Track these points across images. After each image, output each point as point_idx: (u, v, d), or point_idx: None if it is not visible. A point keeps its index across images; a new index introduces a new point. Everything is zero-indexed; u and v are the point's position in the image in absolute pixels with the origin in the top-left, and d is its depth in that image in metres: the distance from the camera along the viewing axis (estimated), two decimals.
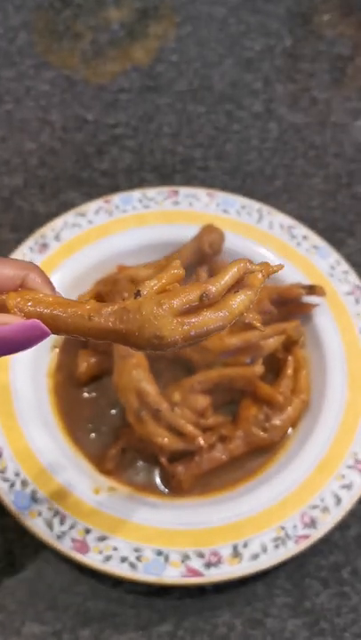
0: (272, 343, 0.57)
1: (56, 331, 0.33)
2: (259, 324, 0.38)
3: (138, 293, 0.33)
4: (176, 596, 0.52)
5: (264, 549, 0.49)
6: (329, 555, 0.54)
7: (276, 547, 0.49)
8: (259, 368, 0.55)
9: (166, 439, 0.53)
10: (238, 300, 0.33)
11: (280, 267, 0.35)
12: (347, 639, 0.50)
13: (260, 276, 0.34)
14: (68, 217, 0.66)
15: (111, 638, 0.50)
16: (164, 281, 0.34)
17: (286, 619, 0.51)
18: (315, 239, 0.65)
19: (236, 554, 0.49)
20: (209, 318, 0.32)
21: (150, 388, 0.53)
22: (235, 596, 0.52)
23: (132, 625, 0.51)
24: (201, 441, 0.53)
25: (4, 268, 0.34)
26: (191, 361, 0.56)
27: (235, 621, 0.51)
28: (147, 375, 0.54)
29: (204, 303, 0.32)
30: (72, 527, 0.50)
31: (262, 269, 0.34)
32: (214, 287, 0.33)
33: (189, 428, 0.53)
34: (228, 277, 0.33)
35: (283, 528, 0.50)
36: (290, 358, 0.59)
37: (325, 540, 0.53)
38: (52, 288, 0.35)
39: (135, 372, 0.53)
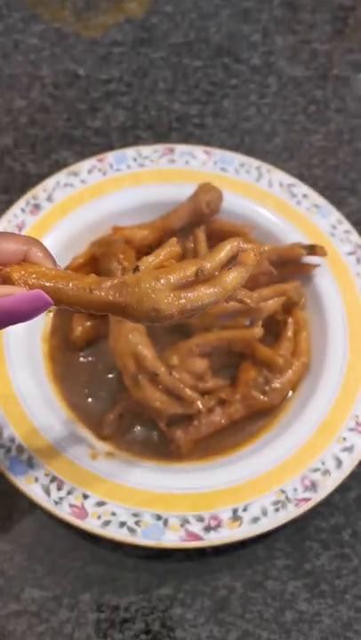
0: (272, 305, 0.55)
1: (58, 303, 0.34)
2: (250, 301, 0.38)
3: (137, 268, 0.35)
4: (176, 559, 0.51)
5: (264, 513, 0.49)
6: (329, 517, 0.54)
7: (277, 510, 0.49)
8: (258, 330, 0.54)
9: (164, 403, 0.52)
10: (231, 277, 0.35)
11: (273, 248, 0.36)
12: (347, 601, 0.50)
13: (252, 254, 0.36)
14: (61, 177, 0.64)
15: (111, 602, 0.50)
16: (161, 257, 0.35)
17: (286, 581, 0.51)
18: (315, 198, 0.63)
19: (236, 517, 0.49)
20: (204, 293, 0.34)
21: (147, 351, 0.52)
22: (235, 559, 0.51)
23: (131, 589, 0.50)
24: (200, 405, 0.52)
25: (7, 243, 0.35)
26: (189, 324, 0.55)
27: (235, 584, 0.51)
28: (144, 339, 0.52)
29: (200, 279, 0.34)
30: (70, 493, 0.49)
31: (255, 248, 0.36)
32: (209, 264, 0.35)
33: (188, 392, 0.52)
34: (222, 254, 0.35)
35: (283, 491, 0.50)
36: (290, 320, 0.58)
37: (326, 503, 0.53)
38: (54, 262, 0.36)
39: (132, 335, 0.52)
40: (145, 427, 0.55)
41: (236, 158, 0.66)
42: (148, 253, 0.57)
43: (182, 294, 0.34)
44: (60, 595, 0.50)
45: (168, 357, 0.54)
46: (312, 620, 0.50)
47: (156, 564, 0.51)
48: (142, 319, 0.34)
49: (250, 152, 0.69)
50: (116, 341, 0.52)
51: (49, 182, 0.63)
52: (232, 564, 0.51)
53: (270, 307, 0.55)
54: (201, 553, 0.52)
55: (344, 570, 0.52)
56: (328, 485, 0.50)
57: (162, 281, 0.34)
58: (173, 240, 0.36)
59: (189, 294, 0.34)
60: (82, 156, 0.70)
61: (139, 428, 0.55)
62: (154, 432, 0.55)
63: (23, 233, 0.60)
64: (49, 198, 0.62)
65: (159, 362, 0.52)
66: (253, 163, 0.65)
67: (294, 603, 0.50)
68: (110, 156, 0.65)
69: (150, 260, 0.35)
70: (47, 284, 0.34)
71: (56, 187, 0.63)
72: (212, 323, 0.54)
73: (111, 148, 0.71)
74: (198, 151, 0.66)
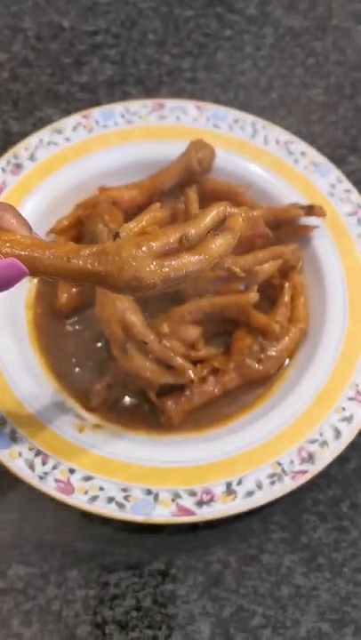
0: (268, 269, 0.52)
1: (34, 272, 0.33)
2: (238, 270, 0.37)
3: (117, 235, 0.33)
4: (168, 533, 0.50)
5: (259, 486, 0.47)
6: (327, 489, 0.52)
7: (272, 483, 0.47)
8: (253, 295, 0.51)
9: (154, 373, 0.49)
10: (218, 244, 0.33)
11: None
12: (345, 575, 0.49)
13: (240, 219, 0.34)
14: (44, 134, 0.60)
15: (100, 578, 0.48)
16: (143, 223, 0.34)
17: (283, 555, 0.49)
18: (314, 155, 0.60)
19: (229, 491, 0.47)
20: (188, 261, 0.33)
21: (136, 318, 0.49)
22: (229, 533, 0.50)
23: (122, 564, 0.49)
24: (191, 374, 0.49)
25: None
26: (180, 290, 0.52)
27: (229, 558, 0.49)
28: (132, 305, 0.50)
29: (184, 246, 0.33)
30: (55, 467, 0.47)
31: (243, 212, 0.34)
32: (194, 230, 0.33)
33: (179, 361, 0.49)
34: (208, 220, 0.33)
35: (279, 464, 0.48)
36: (287, 285, 0.55)
37: (323, 474, 0.51)
38: (29, 229, 0.34)
39: (119, 302, 0.49)
40: (134, 397, 0.53)
41: (230, 114, 0.62)
42: (137, 215, 0.54)
43: (165, 262, 0.32)
44: (48, 571, 0.48)
45: (158, 325, 0.51)
46: (309, 594, 0.48)
47: (147, 538, 0.49)
48: (123, 289, 0.33)
49: (245, 108, 0.66)
50: (102, 308, 0.50)
51: (31, 140, 0.60)
52: (226, 538, 0.50)
53: (266, 270, 0.52)
54: (193, 527, 0.50)
55: (342, 543, 0.50)
56: (326, 457, 0.48)
57: (143, 248, 0.32)
58: (157, 205, 0.35)
59: (173, 262, 0.32)
60: (67, 113, 0.67)
61: (128, 398, 0.53)
62: (144, 403, 0.53)
63: (3, 194, 0.57)
64: (31, 157, 0.59)
65: (148, 329, 0.49)
66: (248, 118, 0.62)
67: (291, 577, 0.49)
68: (96, 113, 0.62)
69: (132, 226, 0.34)
70: (22, 253, 0.32)
71: (39, 145, 0.60)
72: (204, 288, 0.51)
73: (98, 104, 0.67)
74: (190, 106, 0.62)
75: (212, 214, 0.34)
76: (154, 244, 0.32)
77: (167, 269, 0.32)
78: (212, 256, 0.33)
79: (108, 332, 0.50)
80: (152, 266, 0.32)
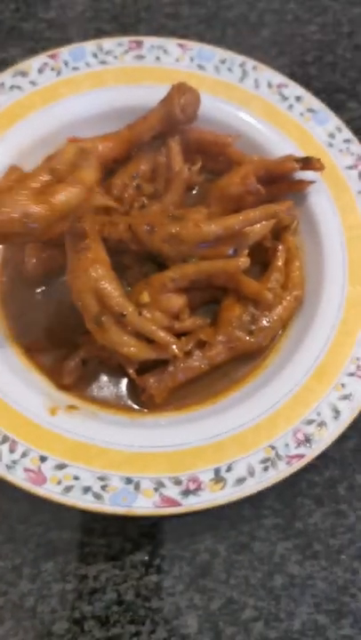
0: (259, 230, 0.48)
1: None
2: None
3: None
4: (151, 521, 0.47)
5: (251, 473, 0.43)
6: (324, 470, 0.49)
7: (265, 469, 0.43)
8: (244, 260, 0.47)
9: (133, 348, 0.44)
10: (85, 173, 0.41)
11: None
12: (343, 562, 0.46)
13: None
14: (5, 77, 0.55)
15: (78, 571, 0.45)
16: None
17: (276, 542, 0.47)
18: (310, 100, 0.56)
19: (218, 479, 0.43)
20: (67, 190, 0.40)
21: (112, 287, 0.44)
22: (217, 520, 0.47)
23: (101, 555, 0.46)
24: (175, 349, 0.45)
25: None
26: (162, 255, 0.47)
27: (218, 547, 0.46)
28: (107, 273, 0.45)
29: (55, 179, 0.41)
30: (24, 455, 0.43)
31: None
32: (59, 164, 0.41)
33: (160, 334, 0.45)
34: (70, 154, 0.41)
35: (273, 447, 0.44)
36: (280, 247, 0.51)
37: (320, 455, 0.47)
38: None
39: (92, 269, 0.44)
40: (112, 374, 0.49)
41: (217, 53, 0.57)
42: (113, 170, 0.49)
43: (48, 198, 0.40)
44: (20, 564, 0.45)
45: (137, 294, 0.47)
46: (304, 584, 0.45)
47: (129, 527, 0.46)
48: (19, 229, 0.40)
49: (233, 47, 0.61)
50: (74, 276, 0.45)
51: None
52: (214, 525, 0.47)
53: (258, 232, 0.48)
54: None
55: (339, 528, 0.47)
56: (324, 439, 0.45)
57: (23, 192, 0.40)
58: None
59: (56, 195, 0.40)
60: (33, 53, 0.61)
61: (105, 376, 0.49)
62: (123, 380, 0.49)
63: None
64: None
65: (126, 299, 0.45)
66: (237, 59, 0.57)
67: (284, 566, 0.46)
68: (65, 52, 0.57)
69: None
70: None
71: (0, 90, 0.54)
72: (189, 252, 0.47)
73: (68, 43, 0.61)
74: (171, 45, 0.57)
75: (70, 151, 0.43)
76: (28, 184, 0.40)
77: (53, 200, 0.40)
78: (87, 185, 0.41)
79: (81, 304, 0.45)
80: (38, 200, 0.40)
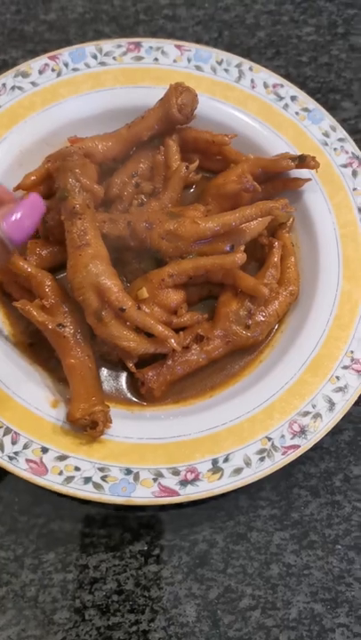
0: (256, 226, 0.49)
1: None
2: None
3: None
4: (150, 512, 0.47)
5: (247, 463, 0.43)
6: (319, 461, 0.49)
7: (262, 459, 0.44)
8: (240, 256, 0.47)
9: (133, 342, 0.45)
10: None
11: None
12: (338, 552, 0.46)
13: None
14: (7, 79, 0.55)
15: (79, 561, 0.46)
16: None
17: (272, 532, 0.47)
18: (306, 100, 0.56)
19: (215, 469, 0.43)
20: None
21: (112, 282, 0.45)
22: (215, 510, 0.47)
23: (102, 546, 0.46)
24: (174, 343, 0.45)
25: None
26: (160, 251, 0.47)
27: (216, 537, 0.47)
28: (107, 268, 0.45)
29: None
30: (26, 447, 0.43)
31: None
32: None
33: (159, 329, 0.45)
34: None
35: (269, 438, 0.44)
36: (276, 244, 0.51)
37: (315, 446, 0.47)
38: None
39: (92, 264, 0.45)
40: (112, 368, 0.49)
41: (214, 54, 0.57)
42: (113, 168, 0.49)
43: None
44: (22, 555, 0.46)
45: (136, 289, 0.47)
46: (300, 573, 0.46)
47: (128, 518, 0.47)
48: None
49: (229, 48, 0.61)
50: (74, 271, 0.45)
51: None
52: (212, 516, 0.47)
53: (254, 229, 0.49)
54: (178, 505, 0.47)
55: (335, 518, 0.47)
56: (319, 430, 0.45)
57: None
58: None
59: None
60: (33, 54, 0.61)
61: (105, 369, 0.49)
62: (122, 374, 0.49)
63: None
64: None
65: (126, 294, 0.45)
66: (233, 60, 0.57)
67: (281, 555, 0.46)
68: (65, 54, 0.56)
69: None
70: None
71: (2, 91, 0.55)
72: (186, 249, 0.47)
73: (68, 44, 0.61)
74: (169, 46, 0.57)
75: None
76: None
77: None
78: None
79: (81, 299, 0.45)
80: None
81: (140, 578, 0.45)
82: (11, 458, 0.43)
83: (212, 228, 0.47)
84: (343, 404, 0.45)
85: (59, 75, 0.55)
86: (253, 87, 0.56)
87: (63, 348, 0.46)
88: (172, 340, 0.46)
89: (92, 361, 0.46)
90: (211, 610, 0.44)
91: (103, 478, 0.43)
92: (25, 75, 0.55)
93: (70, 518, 0.47)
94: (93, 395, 0.45)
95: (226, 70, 0.56)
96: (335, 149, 0.53)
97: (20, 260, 0.47)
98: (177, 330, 0.48)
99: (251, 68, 0.56)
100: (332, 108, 0.59)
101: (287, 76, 0.60)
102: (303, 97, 0.55)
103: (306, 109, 0.55)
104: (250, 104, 0.55)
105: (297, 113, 0.55)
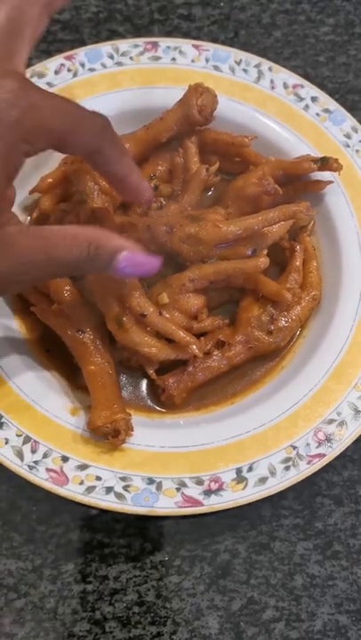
0: (278, 230, 0.48)
1: None
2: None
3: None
4: (171, 521, 0.46)
5: (272, 472, 0.43)
6: (342, 470, 0.48)
7: (287, 469, 0.43)
8: (263, 260, 0.46)
9: (154, 348, 0.44)
10: None
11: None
12: None
13: None
14: None
15: (99, 572, 0.45)
16: None
17: (296, 542, 0.46)
18: (327, 101, 0.55)
19: (240, 479, 0.42)
20: None
21: (133, 288, 0.44)
22: (237, 520, 0.46)
23: (122, 556, 0.45)
24: (195, 349, 0.45)
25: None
26: (181, 255, 0.46)
27: (238, 547, 0.46)
28: None
29: None
30: (46, 455, 0.43)
31: None
32: None
33: (181, 335, 0.44)
34: None
35: (294, 447, 0.43)
36: (298, 248, 0.50)
37: (339, 454, 0.46)
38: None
39: None
40: (132, 375, 0.48)
41: (232, 54, 0.56)
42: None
43: None
44: (41, 565, 0.45)
45: (157, 294, 0.46)
46: (324, 584, 0.45)
47: (149, 527, 0.46)
48: None
49: (245, 48, 0.59)
50: (95, 277, 0.44)
51: None
52: (234, 526, 0.46)
53: (276, 232, 0.48)
54: (199, 514, 0.46)
55: (359, 528, 0.47)
56: (345, 438, 0.44)
57: None
58: None
59: None
60: (47, 55, 0.60)
61: (125, 376, 0.48)
62: (142, 381, 0.48)
63: None
64: None
65: (147, 300, 0.44)
66: (252, 60, 0.56)
67: (304, 566, 0.45)
68: (81, 53, 0.55)
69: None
70: None
71: None
72: (208, 253, 0.46)
73: (82, 44, 0.60)
74: (187, 46, 0.56)
75: None
76: None
77: None
78: None
79: (102, 304, 0.44)
80: None
81: (161, 589, 0.44)
82: (31, 467, 0.42)
83: (235, 232, 0.46)
84: None
85: (75, 75, 0.54)
86: (273, 88, 0.55)
87: (83, 355, 0.45)
88: (194, 346, 0.45)
89: (111, 367, 0.45)
90: (234, 622, 0.44)
91: (125, 488, 0.42)
92: (40, 75, 0.54)
93: (89, 528, 0.46)
94: (114, 402, 0.44)
95: (245, 70, 0.55)
96: (357, 151, 0.52)
97: None
98: (198, 335, 0.47)
99: (270, 69, 0.55)
100: (351, 109, 0.57)
101: (305, 76, 0.58)
102: (324, 98, 0.54)
103: (327, 110, 0.54)
104: (269, 105, 0.54)
105: (318, 114, 0.54)
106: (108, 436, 0.43)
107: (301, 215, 0.48)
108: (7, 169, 0.34)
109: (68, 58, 0.55)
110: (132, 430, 0.43)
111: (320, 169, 0.50)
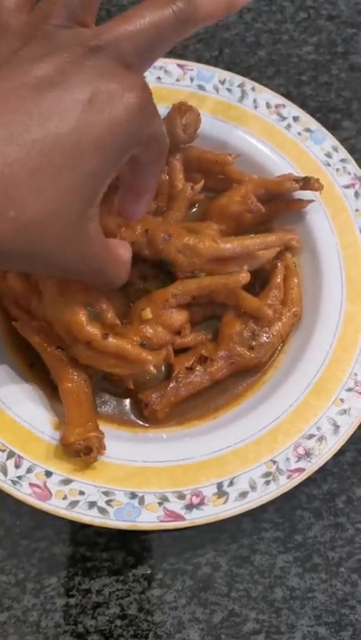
0: (268, 254, 0.48)
1: None
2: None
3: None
4: (153, 535, 0.46)
5: (253, 487, 0.43)
6: (322, 483, 0.49)
7: (267, 483, 0.43)
8: (244, 275, 0.46)
9: (113, 367, 0.44)
10: None
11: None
12: (342, 575, 0.46)
13: None
14: None
15: (81, 585, 0.45)
16: None
17: (276, 555, 0.46)
18: (308, 120, 0.55)
19: (221, 493, 0.43)
20: None
21: (77, 317, 0.42)
22: (218, 533, 0.47)
23: (104, 569, 0.45)
24: (151, 368, 0.44)
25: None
26: (175, 264, 0.47)
27: (219, 560, 0.46)
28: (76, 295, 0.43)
29: None
30: (30, 470, 0.43)
31: None
32: None
33: (133, 353, 0.43)
34: None
35: (274, 462, 0.44)
36: (279, 265, 0.51)
37: (318, 468, 0.47)
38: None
39: (63, 297, 0.43)
40: (113, 390, 0.48)
41: (217, 73, 0.57)
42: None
43: None
44: (24, 579, 0.45)
45: (141, 309, 0.47)
46: (304, 596, 0.45)
47: (131, 541, 0.46)
48: None
49: (230, 67, 0.61)
50: (48, 305, 0.44)
51: None
52: (215, 539, 0.47)
53: (268, 255, 0.49)
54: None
55: (338, 541, 0.47)
56: (324, 453, 0.44)
57: None
58: None
59: None
60: None
61: (107, 392, 0.49)
62: (125, 395, 0.49)
63: None
64: None
65: (95, 325, 0.43)
66: (236, 79, 0.57)
67: (284, 578, 0.46)
68: None
69: None
70: None
71: None
72: (201, 266, 0.47)
73: None
74: (172, 65, 0.57)
75: None
76: None
77: None
78: None
79: (59, 335, 0.44)
80: None
81: (143, 602, 0.45)
82: (14, 482, 0.42)
83: (232, 250, 0.46)
84: (348, 427, 0.45)
85: None
86: (256, 107, 0.55)
87: (60, 372, 0.45)
88: (149, 358, 0.44)
89: (87, 385, 0.45)
90: (215, 634, 0.44)
91: (108, 502, 0.42)
92: None
93: (72, 542, 0.46)
94: (89, 420, 0.44)
95: (229, 90, 0.56)
96: (337, 170, 0.53)
97: (14, 277, 0.46)
98: (180, 350, 0.47)
99: (253, 88, 0.56)
100: (333, 128, 0.59)
101: (287, 95, 0.60)
102: (306, 117, 0.55)
103: (308, 130, 0.55)
104: (252, 123, 0.55)
105: (299, 133, 0.55)
106: (80, 453, 0.43)
107: (295, 244, 0.49)
108: (117, 165, 0.36)
109: None
110: (105, 449, 0.43)
111: (302, 188, 0.51)
